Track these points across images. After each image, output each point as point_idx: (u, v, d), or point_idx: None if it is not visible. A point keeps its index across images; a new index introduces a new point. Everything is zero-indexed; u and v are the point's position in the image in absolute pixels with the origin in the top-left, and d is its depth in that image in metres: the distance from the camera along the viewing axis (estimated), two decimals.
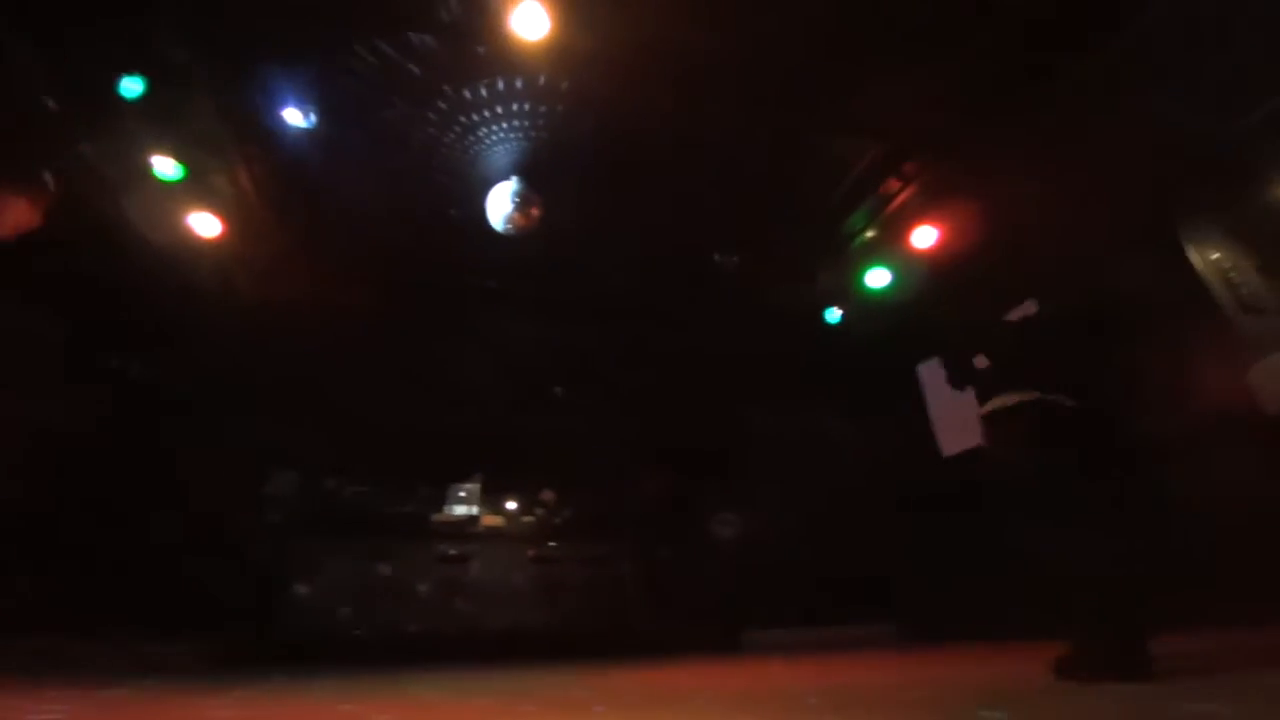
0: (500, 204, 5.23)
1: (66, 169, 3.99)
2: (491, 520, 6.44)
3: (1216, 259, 4.12)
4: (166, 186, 4.57)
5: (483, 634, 5.50)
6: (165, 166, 4.46)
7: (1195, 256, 4.17)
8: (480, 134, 4.99)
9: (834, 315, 6.55)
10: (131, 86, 3.83)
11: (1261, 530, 3.41)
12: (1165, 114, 3.95)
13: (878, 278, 6.00)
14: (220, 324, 5.48)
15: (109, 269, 4.71)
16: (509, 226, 5.32)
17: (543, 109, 4.77)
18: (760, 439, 7.04)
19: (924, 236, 5.51)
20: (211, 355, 5.57)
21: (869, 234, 5.75)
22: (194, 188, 4.72)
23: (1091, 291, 3.70)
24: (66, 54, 3.48)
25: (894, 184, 5.25)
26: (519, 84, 4.61)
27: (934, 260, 5.63)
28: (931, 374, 6.42)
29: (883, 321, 6.32)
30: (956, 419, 6.00)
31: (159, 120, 4.23)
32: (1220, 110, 3.86)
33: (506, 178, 5.22)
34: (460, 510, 6.35)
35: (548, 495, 6.85)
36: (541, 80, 4.54)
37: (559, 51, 4.23)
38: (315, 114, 4.65)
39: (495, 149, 5.12)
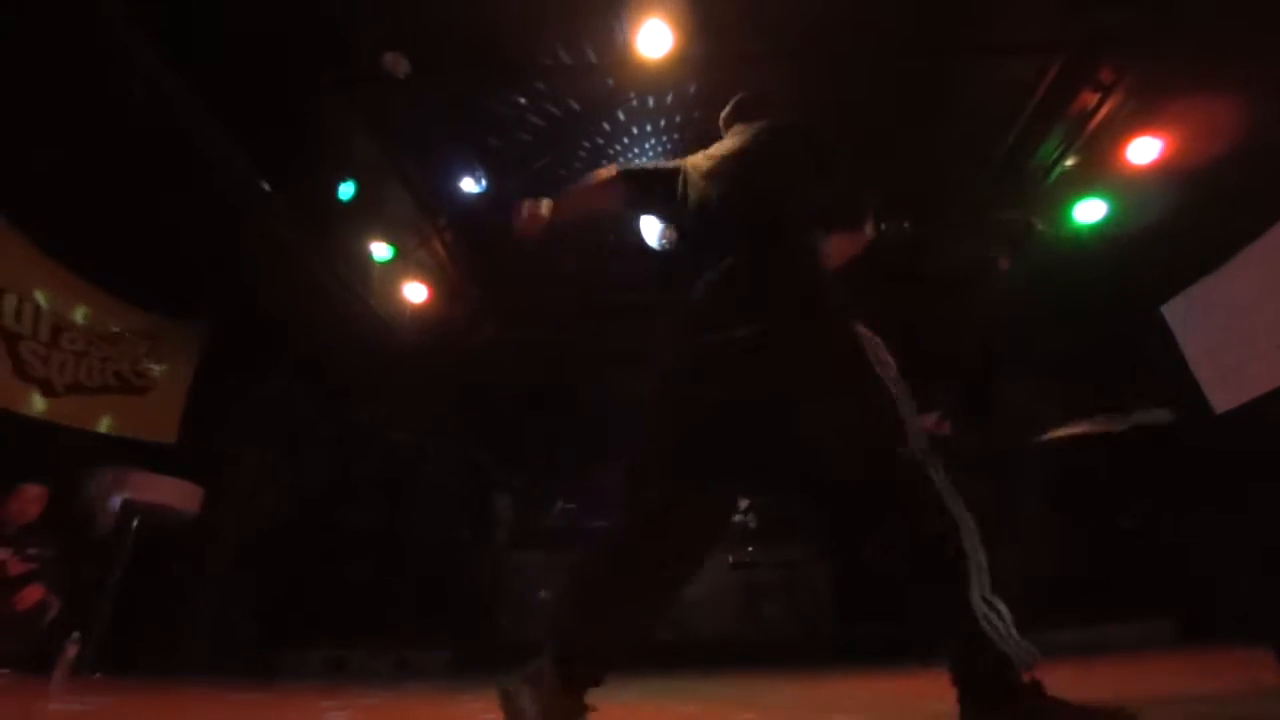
0: (651, 221, 5.40)
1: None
2: None
3: None
4: (383, 266, 5.48)
5: (684, 640, 5.54)
6: (380, 250, 5.36)
7: None
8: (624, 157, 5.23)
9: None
10: (345, 190, 4.69)
11: None
12: None
13: (1090, 211, 5.08)
14: (436, 374, 6.38)
15: (347, 341, 5.76)
16: (664, 241, 5.47)
17: (678, 119, 4.89)
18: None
19: (1144, 149, 4.57)
20: (434, 402, 6.51)
21: (1068, 163, 4.90)
22: (403, 263, 5.62)
23: None
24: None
25: (1090, 98, 4.43)
26: (650, 102, 4.79)
27: (1164, 175, 4.64)
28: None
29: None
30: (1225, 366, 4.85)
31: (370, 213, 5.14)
32: None
33: None
34: None
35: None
36: (670, 95, 4.66)
37: (684, 60, 4.32)
38: (484, 178, 5.28)
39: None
